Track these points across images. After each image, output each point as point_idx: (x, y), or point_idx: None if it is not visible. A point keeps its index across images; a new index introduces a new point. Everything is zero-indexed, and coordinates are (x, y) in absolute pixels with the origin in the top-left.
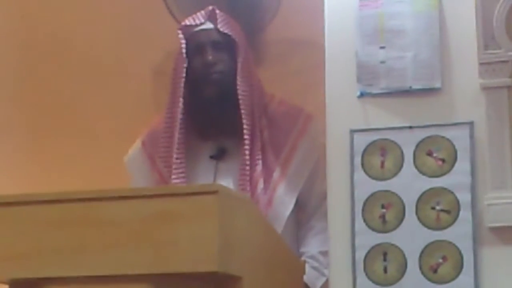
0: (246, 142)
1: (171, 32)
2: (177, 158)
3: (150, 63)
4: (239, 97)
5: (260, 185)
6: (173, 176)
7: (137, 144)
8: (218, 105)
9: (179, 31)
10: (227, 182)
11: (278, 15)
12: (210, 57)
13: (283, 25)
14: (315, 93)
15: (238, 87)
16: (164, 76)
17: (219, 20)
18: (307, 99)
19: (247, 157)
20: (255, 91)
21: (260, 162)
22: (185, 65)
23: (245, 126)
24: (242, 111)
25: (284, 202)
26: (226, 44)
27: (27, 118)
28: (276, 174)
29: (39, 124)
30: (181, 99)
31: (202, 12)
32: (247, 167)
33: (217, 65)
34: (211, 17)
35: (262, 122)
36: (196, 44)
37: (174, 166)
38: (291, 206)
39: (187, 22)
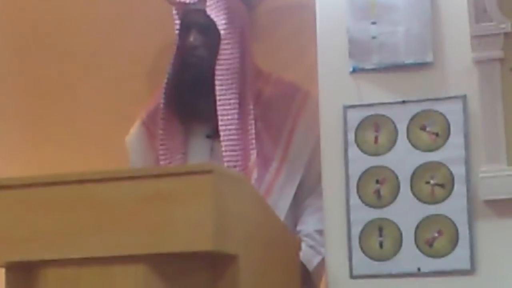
0: (223, 133)
1: (166, 17)
2: (161, 136)
3: (145, 46)
4: (216, 87)
5: (254, 175)
6: (160, 156)
7: (137, 122)
8: (195, 89)
9: (174, 8)
10: (222, 162)
11: None
12: (191, 39)
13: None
14: (304, 63)
15: (216, 76)
16: (158, 59)
17: (208, 3)
18: (296, 68)
19: (229, 147)
20: (247, 78)
21: (254, 152)
22: (176, 43)
23: (221, 117)
24: (218, 102)
25: (284, 192)
26: (213, 27)
27: (20, 101)
28: (275, 163)
29: (33, 107)
30: (167, 77)
31: None
32: (233, 159)
33: (198, 49)
34: None
35: (256, 111)
36: (185, 24)
37: (159, 143)
38: (291, 196)
39: None
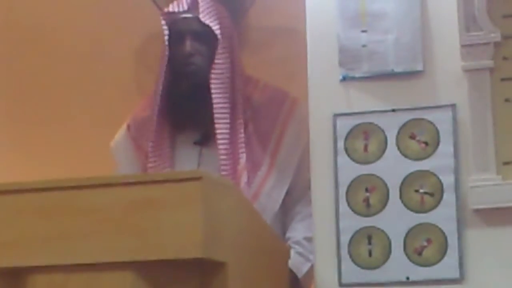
0: (219, 137)
1: (152, 14)
2: (151, 147)
3: (131, 47)
4: (212, 91)
5: (244, 178)
6: (149, 164)
7: (122, 129)
8: (192, 98)
9: (162, 18)
10: (210, 168)
11: (259, 1)
12: (187, 48)
13: (264, 11)
14: (298, 80)
15: (211, 82)
16: (145, 60)
17: (201, 9)
18: (290, 85)
19: (223, 151)
20: (237, 83)
21: (243, 155)
22: (167, 53)
23: (216, 121)
24: (214, 106)
25: (272, 196)
26: (207, 34)
27: (6, 106)
28: (264, 168)
29: (19, 112)
30: (160, 88)
31: None
32: (226, 163)
33: (194, 57)
34: (194, 5)
35: (246, 115)
36: (176, 32)
37: (149, 153)
38: (280, 200)
39: (170, 8)
